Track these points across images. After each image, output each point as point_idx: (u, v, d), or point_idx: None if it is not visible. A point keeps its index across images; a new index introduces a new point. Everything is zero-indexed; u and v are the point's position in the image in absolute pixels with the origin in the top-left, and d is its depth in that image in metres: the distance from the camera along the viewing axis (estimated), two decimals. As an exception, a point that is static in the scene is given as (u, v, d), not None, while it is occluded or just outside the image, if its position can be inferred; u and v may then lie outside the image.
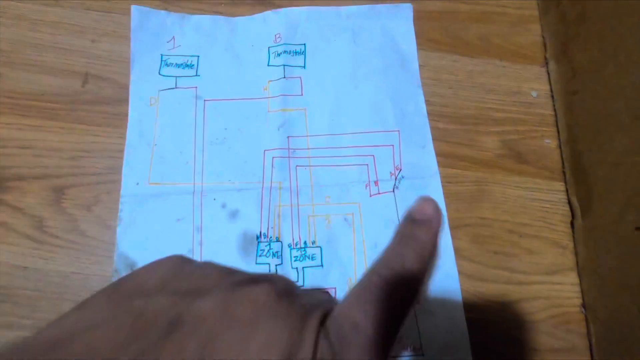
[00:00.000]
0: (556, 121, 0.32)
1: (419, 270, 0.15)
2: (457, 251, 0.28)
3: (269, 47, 0.32)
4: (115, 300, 0.14)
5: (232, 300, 0.14)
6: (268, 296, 0.14)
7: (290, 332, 0.13)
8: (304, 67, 0.32)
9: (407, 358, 0.25)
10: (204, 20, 0.33)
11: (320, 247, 0.27)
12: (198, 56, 0.32)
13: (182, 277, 0.15)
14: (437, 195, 0.29)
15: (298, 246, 0.27)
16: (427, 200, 0.17)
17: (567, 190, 0.30)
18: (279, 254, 0.27)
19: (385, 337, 0.14)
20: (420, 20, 0.34)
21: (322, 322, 0.14)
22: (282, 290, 0.14)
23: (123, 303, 0.14)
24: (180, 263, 0.16)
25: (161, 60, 0.31)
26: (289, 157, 0.29)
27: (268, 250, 0.27)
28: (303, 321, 0.13)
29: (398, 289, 0.14)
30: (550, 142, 0.31)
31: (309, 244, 0.27)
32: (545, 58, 0.33)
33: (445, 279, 0.27)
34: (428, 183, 0.29)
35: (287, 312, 0.13)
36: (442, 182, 0.29)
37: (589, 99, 0.29)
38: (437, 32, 0.34)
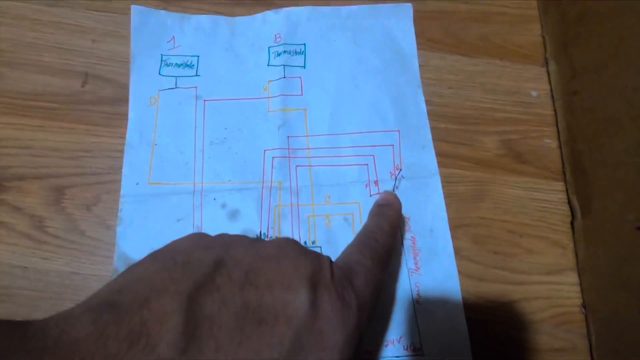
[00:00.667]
0: (556, 121, 0.32)
1: (391, 231, 0.23)
2: (457, 251, 0.28)
3: (269, 47, 0.32)
4: (159, 260, 0.16)
5: (259, 247, 0.17)
6: (287, 242, 0.18)
7: (311, 262, 0.17)
8: (304, 67, 0.32)
9: (407, 358, 0.25)
10: (204, 20, 0.33)
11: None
12: (198, 56, 0.32)
13: (208, 242, 0.18)
14: (437, 195, 0.29)
15: (298, 246, 0.27)
16: (388, 192, 0.27)
17: (567, 190, 0.30)
18: (279, 254, 0.27)
19: (379, 269, 0.20)
20: (420, 20, 0.34)
21: (331, 261, 0.18)
22: (296, 241, 0.18)
23: (167, 259, 0.16)
24: (200, 234, 0.19)
25: (161, 60, 0.31)
26: (289, 157, 0.29)
27: (268, 250, 0.27)
28: (318, 258, 0.18)
29: (380, 241, 0.21)
30: (550, 142, 0.31)
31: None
32: (545, 58, 0.33)
33: (445, 279, 0.27)
34: (428, 183, 0.29)
35: (305, 251, 0.18)
36: (442, 182, 0.29)
37: (589, 99, 0.29)
38: (437, 32, 0.34)
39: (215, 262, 0.16)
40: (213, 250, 0.17)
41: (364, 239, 0.22)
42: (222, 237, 0.19)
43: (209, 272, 0.15)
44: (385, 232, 0.22)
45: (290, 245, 0.18)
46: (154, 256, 0.17)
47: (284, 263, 0.16)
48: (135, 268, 0.16)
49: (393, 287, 0.27)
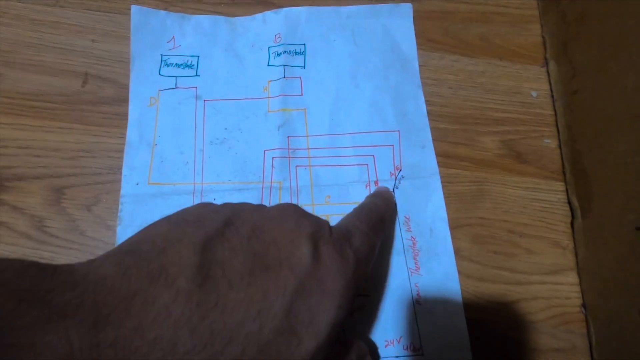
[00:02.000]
0: (556, 121, 0.32)
1: (385, 206, 0.26)
2: (457, 251, 0.28)
3: (269, 47, 0.32)
4: (172, 221, 0.17)
5: (263, 209, 0.19)
6: (289, 206, 0.19)
7: (311, 223, 0.18)
8: (304, 67, 0.32)
9: (407, 358, 0.25)
10: (204, 20, 0.33)
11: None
12: (198, 56, 0.32)
13: (215, 207, 0.19)
14: (437, 195, 0.29)
15: (298, 246, 0.27)
16: (382, 186, 0.29)
17: (567, 190, 0.30)
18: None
19: (374, 234, 0.21)
20: (420, 20, 0.34)
21: (329, 225, 0.19)
22: (298, 205, 0.20)
23: (179, 220, 0.17)
24: (207, 203, 0.20)
25: (161, 60, 0.31)
26: (289, 157, 0.29)
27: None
28: (318, 220, 0.19)
29: (374, 212, 0.23)
30: (550, 142, 0.31)
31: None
32: (545, 58, 0.33)
33: (445, 279, 0.27)
34: (428, 183, 0.29)
35: (306, 214, 0.19)
36: (442, 182, 0.29)
37: (589, 99, 0.29)
38: (437, 32, 0.34)
39: (224, 220, 0.17)
40: (221, 213, 0.18)
41: (360, 210, 0.24)
42: (228, 204, 0.20)
43: (219, 227, 0.17)
44: (379, 207, 0.25)
45: (292, 209, 0.19)
46: (166, 219, 0.18)
47: (286, 222, 0.18)
48: (149, 227, 0.17)
49: (393, 287, 0.27)
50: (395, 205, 0.28)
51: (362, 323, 0.26)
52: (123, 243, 0.17)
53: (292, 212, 0.19)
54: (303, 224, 0.18)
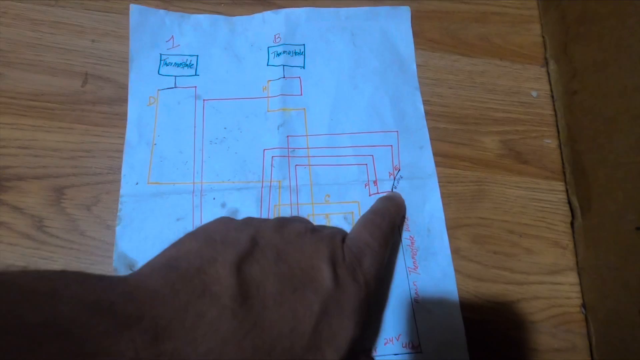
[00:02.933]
0: (556, 121, 0.32)
1: (397, 214, 0.26)
2: (457, 251, 0.28)
3: (268, 47, 0.32)
4: (199, 238, 0.19)
5: (283, 232, 0.20)
6: (305, 228, 0.21)
7: (327, 245, 0.20)
8: (304, 67, 0.32)
9: (406, 355, 0.25)
10: (204, 19, 0.33)
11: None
12: (197, 56, 0.32)
13: (237, 224, 0.20)
14: (435, 194, 0.29)
15: (297, 246, 0.27)
16: (395, 192, 0.29)
17: (567, 190, 0.30)
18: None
19: (383, 249, 0.23)
20: (420, 20, 0.34)
21: (342, 241, 0.21)
22: (310, 225, 0.22)
23: (207, 238, 0.19)
24: (228, 218, 0.21)
25: (160, 60, 0.31)
26: (288, 156, 0.29)
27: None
28: (332, 241, 0.21)
29: (387, 219, 0.24)
30: (550, 142, 0.31)
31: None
32: (545, 58, 0.33)
33: (443, 278, 0.27)
34: (426, 183, 0.29)
35: (320, 236, 0.21)
36: (442, 182, 0.29)
37: (589, 99, 0.29)
38: (436, 32, 0.34)
39: (250, 240, 0.18)
40: (245, 231, 0.19)
41: (372, 217, 0.24)
42: (248, 220, 0.21)
43: (247, 248, 0.18)
44: (392, 213, 0.26)
45: (308, 232, 0.21)
46: (193, 236, 0.19)
47: (306, 248, 0.20)
48: (179, 245, 0.19)
49: (392, 286, 0.27)
50: (405, 211, 0.28)
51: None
52: (157, 257, 0.18)
53: (308, 239, 0.20)
54: (321, 249, 0.20)
